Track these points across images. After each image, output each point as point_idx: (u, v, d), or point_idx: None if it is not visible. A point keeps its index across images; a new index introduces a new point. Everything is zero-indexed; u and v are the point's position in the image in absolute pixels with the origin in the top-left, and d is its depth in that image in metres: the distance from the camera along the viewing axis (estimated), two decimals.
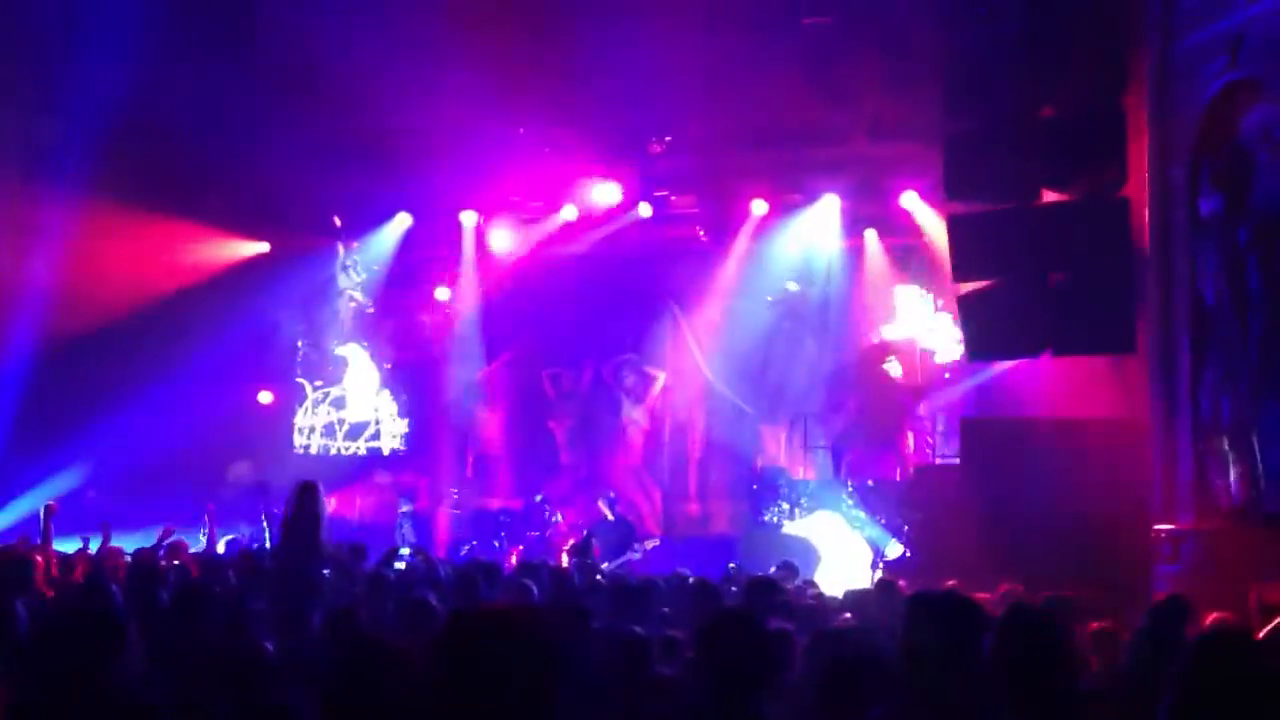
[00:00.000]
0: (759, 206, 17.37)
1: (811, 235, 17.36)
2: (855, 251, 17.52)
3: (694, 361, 18.57)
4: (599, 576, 10.25)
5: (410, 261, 19.21)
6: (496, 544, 16.61)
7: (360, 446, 19.64)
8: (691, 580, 8.91)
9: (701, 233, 18.12)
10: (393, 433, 19.64)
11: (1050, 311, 11.60)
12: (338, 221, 18.90)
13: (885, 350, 17.26)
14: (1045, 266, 11.72)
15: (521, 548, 16.44)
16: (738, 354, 18.04)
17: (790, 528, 15.14)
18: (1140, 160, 11.36)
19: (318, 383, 19.73)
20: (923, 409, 16.86)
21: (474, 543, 16.42)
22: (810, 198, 17.15)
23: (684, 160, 16.97)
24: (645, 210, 17.62)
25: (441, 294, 19.34)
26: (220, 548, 13.58)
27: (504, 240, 18.78)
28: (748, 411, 18.08)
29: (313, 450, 19.56)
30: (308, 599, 8.11)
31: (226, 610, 6.66)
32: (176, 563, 10.71)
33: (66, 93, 14.51)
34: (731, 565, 12.65)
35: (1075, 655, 4.03)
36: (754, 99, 15.55)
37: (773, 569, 9.96)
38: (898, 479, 16.03)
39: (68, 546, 11.57)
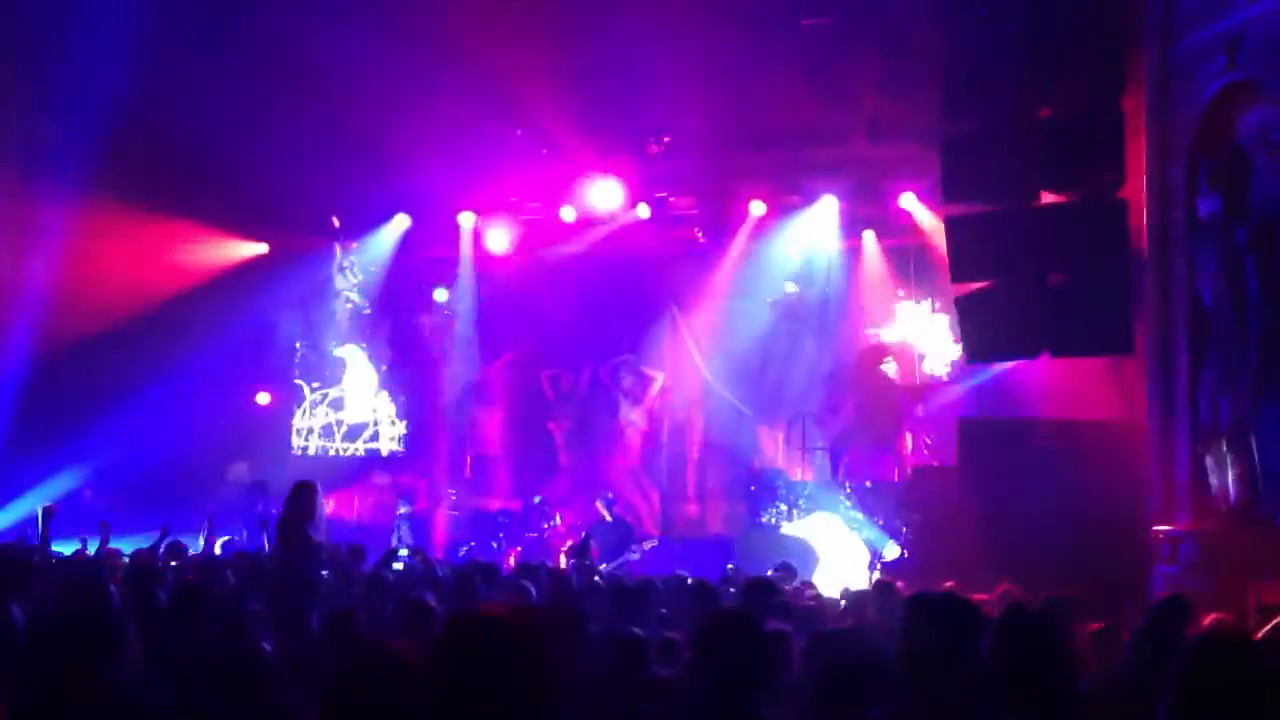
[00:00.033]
0: (757, 208, 17.38)
1: (810, 236, 17.36)
2: (853, 253, 17.53)
3: (692, 362, 18.58)
4: (597, 578, 10.25)
5: (408, 262, 19.21)
6: (495, 545, 16.62)
7: (359, 448, 19.63)
8: (690, 581, 8.92)
9: (700, 234, 18.12)
10: (391, 434, 19.63)
11: (1048, 312, 11.60)
12: (336, 222, 18.90)
13: (883, 351, 17.27)
14: (1043, 267, 11.72)
15: (520, 549, 16.44)
16: (736, 355, 18.04)
17: (788, 529, 15.15)
18: (1139, 161, 11.36)
19: (315, 384, 19.72)
20: (921, 410, 16.87)
21: (472, 544, 16.42)
22: (809, 199, 17.16)
23: (683, 161, 16.96)
24: (644, 211, 17.63)
25: (440, 295, 19.34)
26: (216, 549, 13.58)
27: (502, 241, 18.78)
28: (746, 413, 18.09)
29: (311, 451, 19.56)
30: (306, 599, 8.10)
31: (225, 611, 6.65)
32: (175, 564, 10.72)
33: (66, 93, 14.50)
34: (730, 566, 12.65)
35: (1074, 656, 4.03)
36: (753, 100, 15.55)
37: (770, 571, 9.96)
38: (896, 480, 16.04)
39: (66, 548, 11.57)
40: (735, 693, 3.96)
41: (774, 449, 17.85)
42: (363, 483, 18.97)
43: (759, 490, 16.07)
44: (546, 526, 16.79)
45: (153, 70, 14.04)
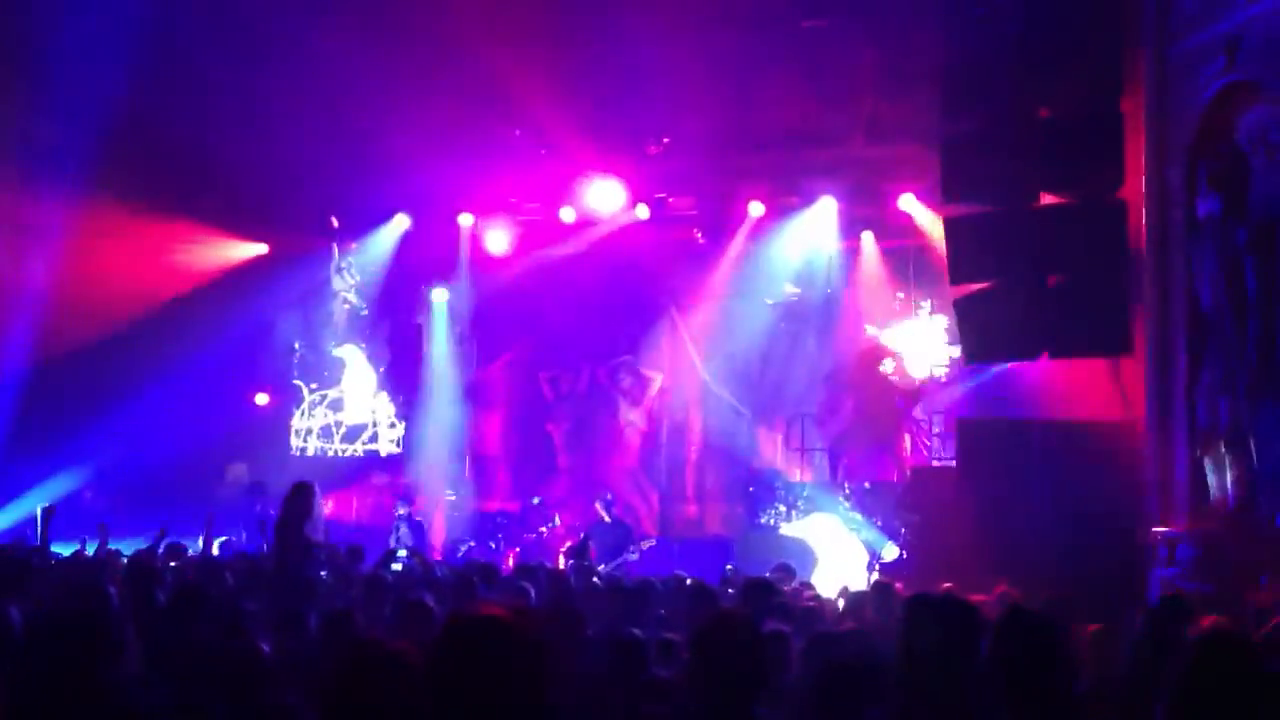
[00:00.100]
0: (756, 208, 17.38)
1: (809, 237, 17.36)
2: (852, 254, 17.53)
3: (691, 363, 18.57)
4: (595, 579, 10.25)
5: (408, 263, 19.20)
6: (493, 545, 16.61)
7: (358, 449, 19.62)
8: (689, 582, 8.92)
9: (699, 234, 18.11)
10: (390, 436, 19.62)
11: (1047, 313, 11.61)
12: (335, 223, 18.90)
13: (882, 352, 17.27)
14: (1042, 268, 11.72)
15: (518, 549, 16.44)
16: (735, 356, 18.04)
17: (787, 529, 15.15)
18: (1138, 162, 11.37)
19: (313, 385, 19.72)
20: (919, 411, 16.87)
21: (471, 544, 16.41)
22: (808, 200, 17.16)
23: (682, 162, 16.96)
24: (643, 212, 17.63)
25: (439, 296, 19.33)
26: (214, 550, 13.57)
27: (501, 242, 18.78)
28: (744, 413, 18.08)
29: (310, 452, 19.55)
30: (304, 600, 8.10)
31: (223, 611, 6.65)
32: (174, 564, 10.71)
33: (66, 93, 14.49)
34: (729, 567, 12.65)
35: (1073, 657, 4.03)
36: (752, 101, 15.55)
37: (769, 572, 9.96)
38: (895, 481, 16.05)
39: (65, 549, 11.57)
40: (734, 694, 3.96)
41: (773, 450, 17.85)
42: (362, 483, 18.96)
43: (758, 491, 16.07)
44: (545, 529, 16.79)
45: (153, 71, 14.05)
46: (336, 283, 19.56)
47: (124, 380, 16.85)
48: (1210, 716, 3.43)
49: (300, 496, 10.48)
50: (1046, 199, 12.09)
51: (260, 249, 19.23)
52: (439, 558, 15.06)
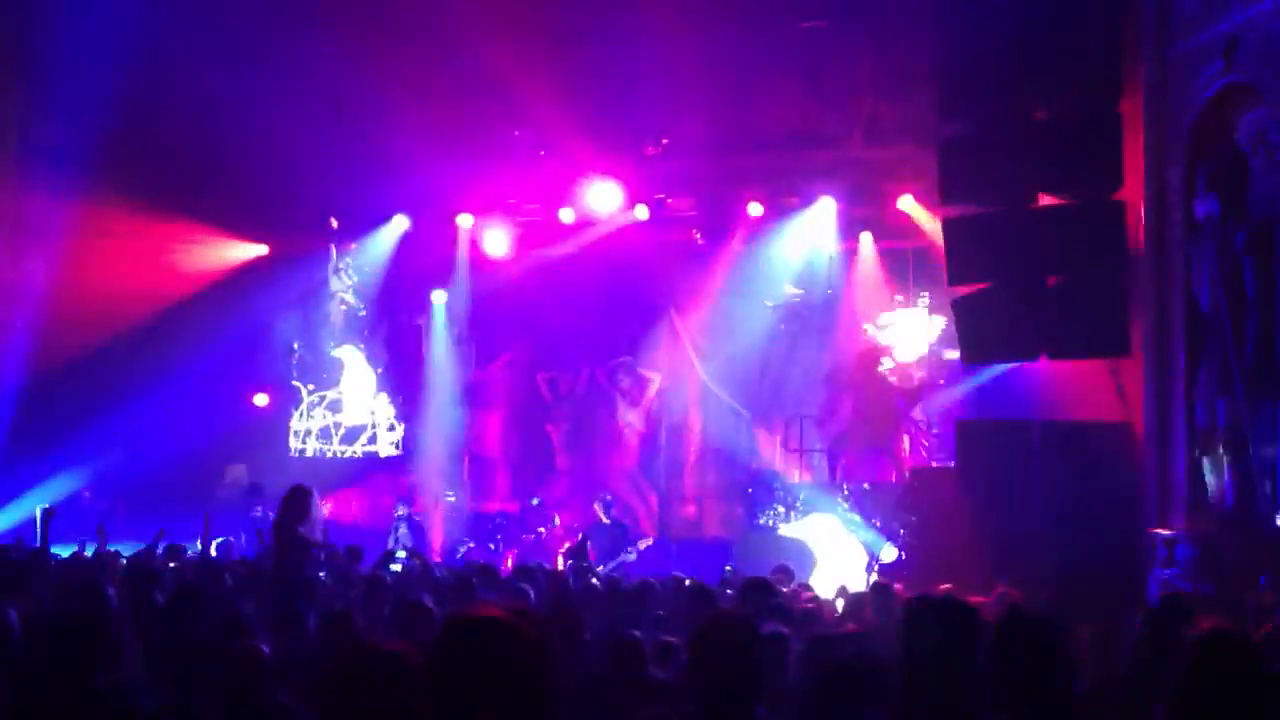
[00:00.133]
0: (755, 209, 17.37)
1: (808, 238, 17.36)
2: (851, 254, 17.53)
3: (690, 364, 18.56)
4: (594, 579, 10.25)
5: (407, 264, 19.19)
6: (492, 546, 16.60)
7: (357, 450, 19.62)
8: (688, 583, 8.92)
9: (698, 235, 18.10)
10: (390, 438, 19.62)
11: (1046, 314, 11.61)
12: (334, 223, 18.89)
13: (880, 353, 17.27)
14: (1041, 269, 11.73)
15: (517, 550, 16.43)
16: (734, 356, 18.02)
17: (786, 530, 15.14)
18: (1136, 163, 11.38)
19: (310, 386, 19.71)
20: (918, 412, 16.87)
21: (470, 545, 16.40)
22: (806, 201, 17.16)
23: (681, 163, 16.96)
24: (642, 213, 17.62)
25: (438, 297, 19.32)
26: (211, 551, 13.58)
27: (500, 243, 18.77)
28: (743, 414, 18.07)
29: (309, 453, 19.54)
30: (302, 601, 8.11)
31: (222, 612, 6.65)
32: (173, 565, 10.72)
33: (66, 94, 14.50)
34: (728, 568, 12.65)
35: (1072, 658, 4.03)
36: (751, 102, 15.57)
37: (768, 574, 9.95)
38: (893, 482, 16.05)
39: (65, 551, 11.57)
40: (732, 695, 3.96)
41: (772, 450, 17.84)
42: (361, 484, 18.95)
43: (756, 492, 16.06)
44: (543, 530, 16.79)
45: (152, 71, 14.06)
46: (334, 283, 19.56)
47: (124, 382, 16.85)
48: (1210, 716, 3.43)
49: (297, 500, 10.48)
50: (1045, 200, 12.10)
51: (260, 250, 19.23)
52: (438, 559, 15.06)
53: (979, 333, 12.43)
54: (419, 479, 18.23)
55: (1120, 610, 7.69)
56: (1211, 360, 10.43)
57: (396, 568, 11.36)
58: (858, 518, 14.78)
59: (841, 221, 17.11)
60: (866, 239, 17.29)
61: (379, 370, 19.81)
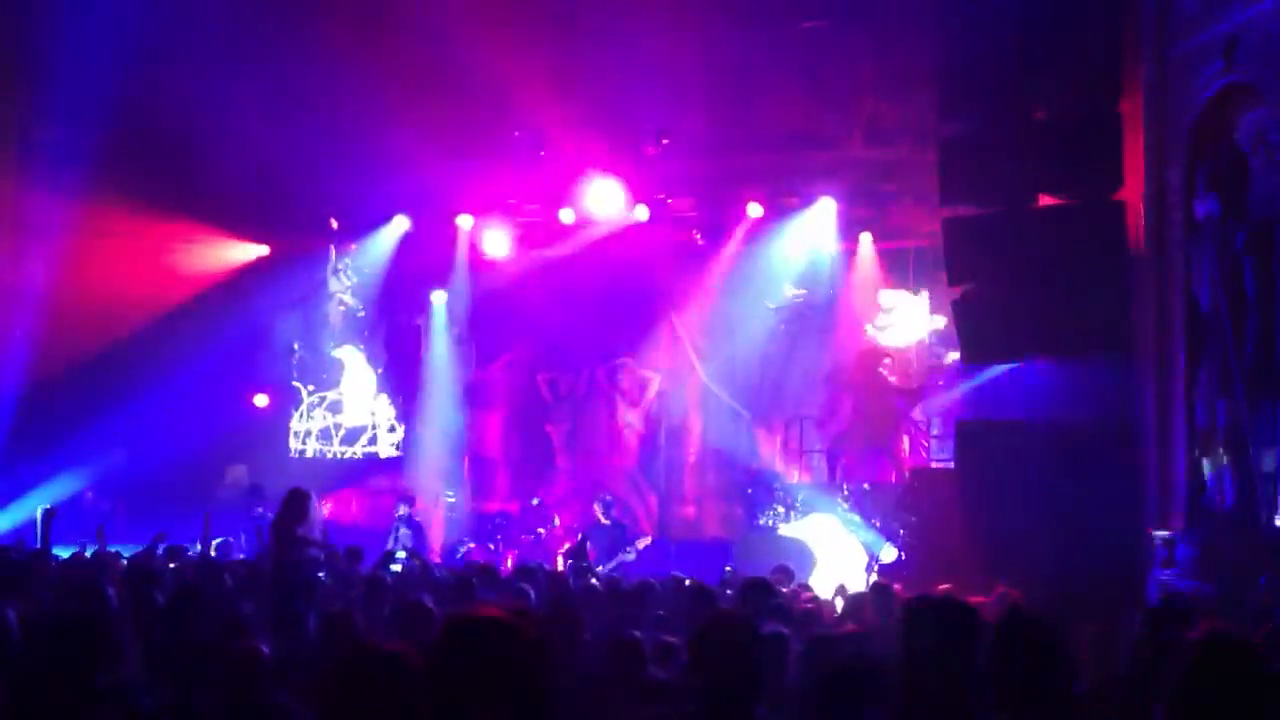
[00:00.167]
0: (755, 209, 17.37)
1: (808, 238, 17.36)
2: (851, 255, 17.53)
3: (690, 364, 18.56)
4: (594, 580, 10.25)
5: (406, 264, 19.19)
6: (492, 547, 16.60)
7: (357, 451, 19.61)
8: (688, 583, 8.92)
9: (698, 235, 18.11)
10: (390, 437, 19.62)
11: (1046, 314, 11.61)
12: (334, 224, 18.89)
13: (880, 354, 17.28)
14: (1041, 270, 11.73)
15: (517, 550, 16.43)
16: (734, 357, 18.03)
17: (785, 530, 15.13)
18: (1136, 163, 11.37)
19: (310, 387, 19.71)
20: (918, 412, 16.88)
21: (470, 545, 16.40)
22: (806, 201, 17.17)
23: (681, 163, 16.96)
24: (642, 213, 17.62)
25: (438, 297, 19.33)
26: (211, 551, 13.58)
27: (500, 243, 18.76)
28: (743, 414, 18.07)
29: (309, 454, 19.54)
30: (301, 601, 8.11)
31: (222, 612, 6.66)
32: (173, 565, 10.73)
33: (66, 95, 14.50)
34: (728, 569, 12.65)
35: (1072, 659, 4.03)
36: (751, 102, 15.57)
37: (768, 574, 9.95)
38: (893, 482, 16.05)
39: (65, 552, 11.57)
40: (732, 695, 3.96)
41: (772, 451, 17.84)
42: (361, 485, 18.95)
43: (756, 492, 16.06)
44: (543, 531, 16.78)
45: (152, 72, 14.06)
46: (333, 284, 19.57)
47: (124, 382, 16.85)
48: (1210, 717, 3.43)
49: (296, 501, 10.50)
50: (1045, 200, 12.10)
51: (261, 250, 19.23)
52: (438, 559, 15.06)
53: (979, 333, 12.43)
54: (419, 479, 18.22)
55: (1120, 610, 7.68)
56: (1211, 360, 10.42)
57: (397, 568, 11.37)
58: (857, 518, 14.77)
59: (841, 221, 17.12)
60: (866, 239, 17.30)
61: (379, 371, 19.81)
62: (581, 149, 16.68)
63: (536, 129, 16.49)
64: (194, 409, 17.35)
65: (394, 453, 19.47)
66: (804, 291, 17.76)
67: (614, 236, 17.82)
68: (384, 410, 19.70)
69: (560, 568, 13.08)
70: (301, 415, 19.70)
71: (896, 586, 9.65)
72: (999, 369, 13.36)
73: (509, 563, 15.22)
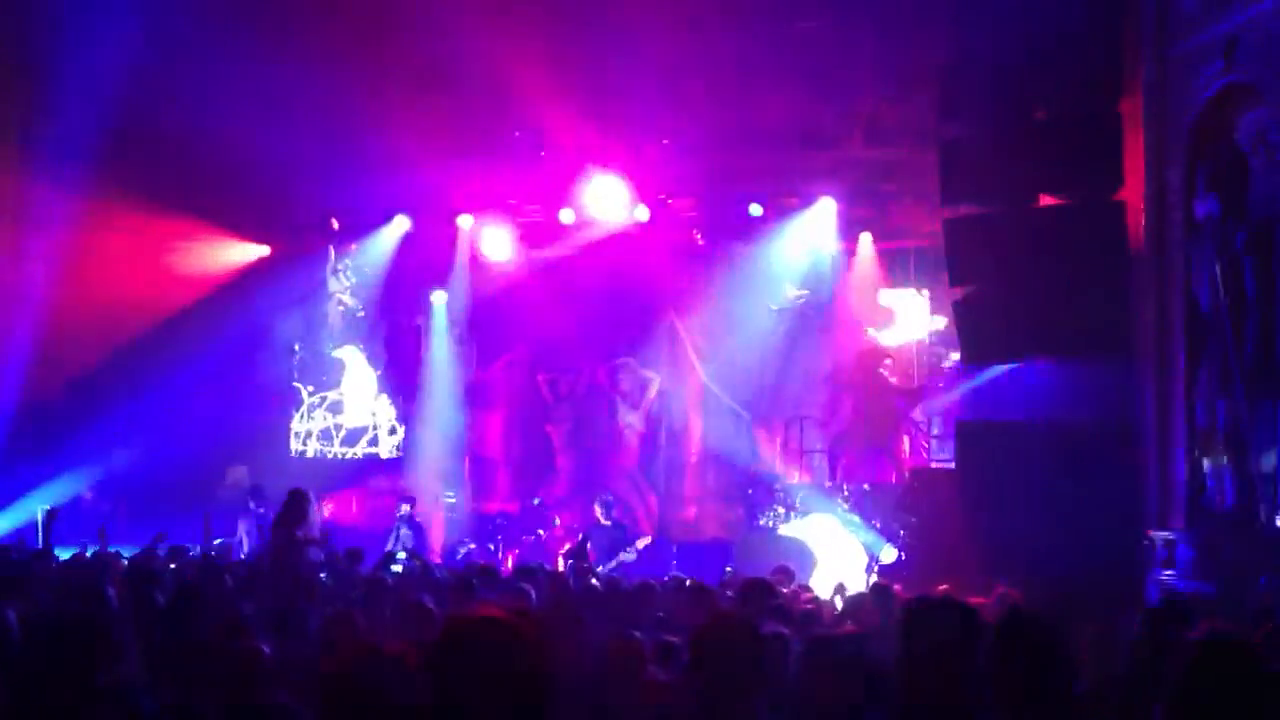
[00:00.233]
0: (755, 210, 17.37)
1: (809, 239, 17.37)
2: (852, 255, 17.54)
3: (690, 365, 18.56)
4: (594, 580, 10.25)
5: (407, 264, 19.20)
6: (492, 547, 16.60)
7: (358, 451, 19.61)
8: (688, 584, 8.92)
9: (698, 235, 18.11)
10: (390, 437, 19.62)
11: (1046, 314, 11.62)
12: (335, 224, 18.90)
13: (881, 354, 17.28)
14: (1041, 269, 11.73)
15: (518, 551, 16.44)
16: (734, 357, 18.02)
17: (786, 530, 15.13)
18: (1137, 163, 11.38)
19: (310, 388, 19.71)
20: (918, 413, 16.88)
21: (471, 546, 16.41)
22: (806, 201, 17.18)
23: (681, 163, 16.97)
24: (642, 213, 17.62)
25: (438, 297, 19.33)
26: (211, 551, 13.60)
27: (500, 243, 18.76)
28: (743, 415, 18.07)
29: (309, 455, 19.54)
30: (301, 601, 8.11)
31: (222, 612, 6.66)
32: (173, 566, 10.74)
33: (67, 94, 14.50)
34: (728, 569, 12.65)
35: (1072, 660, 4.03)
36: (751, 102, 15.56)
37: (768, 575, 9.95)
38: (893, 482, 16.05)
39: (66, 553, 11.58)
40: (732, 695, 3.96)
41: (772, 452, 17.83)
42: (362, 486, 18.95)
43: (756, 493, 16.06)
44: (543, 531, 16.79)
45: (153, 72, 14.06)
46: (332, 284, 19.57)
47: (125, 383, 16.85)
48: (1210, 717, 3.43)
49: (295, 502, 10.51)
50: (1045, 200, 12.10)
51: (262, 250, 19.24)
52: (438, 559, 15.06)
53: (979, 333, 12.44)
54: (419, 480, 18.22)
55: (1120, 610, 7.69)
56: (1211, 360, 10.42)
57: (397, 569, 11.36)
58: (857, 518, 14.77)
59: (841, 221, 17.13)
60: (866, 239, 17.31)
61: (379, 371, 19.81)
62: (581, 149, 16.68)
63: (536, 129, 16.49)
64: (195, 409, 17.35)
65: (394, 449, 19.47)
66: (806, 292, 17.76)
67: (614, 236, 17.83)
68: (385, 411, 19.70)
69: (561, 568, 13.07)
70: (302, 416, 19.70)
71: (896, 587, 9.65)
72: (999, 369, 13.37)
73: (509, 563, 15.22)
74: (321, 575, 9.97)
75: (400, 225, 18.88)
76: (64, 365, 16.17)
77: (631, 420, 18.79)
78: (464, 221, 18.64)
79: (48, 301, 15.65)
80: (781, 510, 15.40)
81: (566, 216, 17.84)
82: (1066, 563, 10.40)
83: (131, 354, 17.11)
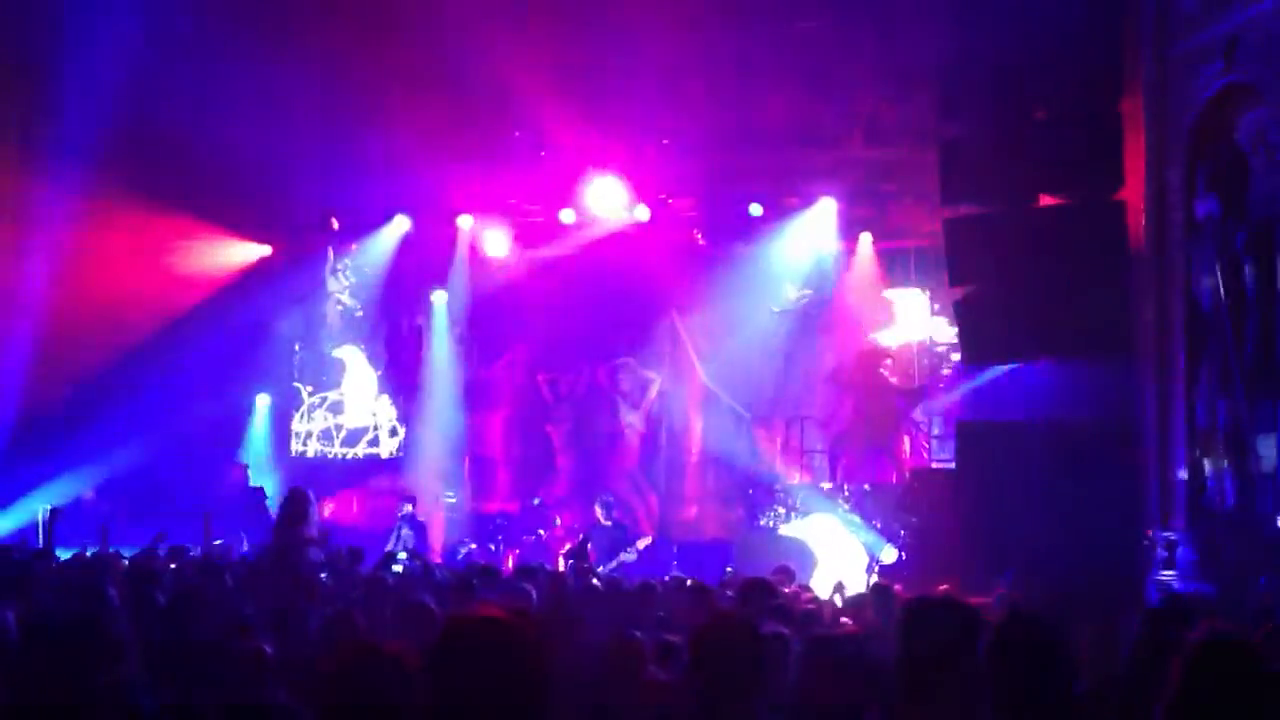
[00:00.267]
0: (755, 210, 17.37)
1: (809, 239, 17.37)
2: (852, 255, 17.54)
3: (691, 365, 18.55)
4: (595, 580, 10.25)
5: (407, 264, 19.20)
6: (493, 547, 16.59)
7: (359, 451, 19.61)
8: (689, 583, 8.92)
9: (699, 235, 18.11)
10: (391, 438, 19.61)
11: (1046, 314, 11.62)
12: (335, 224, 18.89)
13: (881, 354, 17.27)
14: (1041, 269, 11.73)
15: (518, 551, 16.43)
16: (734, 357, 18.01)
17: (786, 530, 15.13)
18: (1137, 163, 11.38)
19: (309, 388, 19.71)
20: (919, 413, 16.88)
21: (471, 546, 16.40)
22: (806, 201, 17.18)
23: (681, 163, 16.97)
24: (642, 213, 17.62)
25: (438, 297, 19.33)
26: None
27: (500, 243, 18.77)
28: (744, 415, 18.07)
29: (310, 455, 19.54)
30: (301, 601, 8.11)
31: (223, 612, 6.66)
32: (174, 566, 10.73)
33: (68, 94, 14.51)
34: (728, 569, 12.64)
35: (1072, 659, 4.03)
36: (752, 102, 15.58)
37: (769, 575, 9.94)
38: (894, 482, 16.04)
39: (66, 553, 11.58)
40: (733, 695, 3.96)
41: (772, 452, 17.83)
42: (362, 486, 18.94)
43: (757, 493, 16.06)
44: (543, 531, 16.78)
45: (154, 72, 14.07)
46: (331, 284, 19.57)
47: (126, 383, 16.85)
48: (1210, 717, 3.43)
49: (295, 502, 10.51)
50: (1045, 200, 12.10)
51: (263, 250, 19.24)
52: (439, 559, 15.05)
53: (979, 333, 12.44)
54: (420, 480, 18.22)
55: (1120, 610, 7.69)
56: (1211, 360, 10.42)
57: (398, 569, 11.36)
58: (858, 518, 14.77)
59: (841, 221, 17.13)
60: (866, 239, 17.31)
61: (379, 371, 19.81)
62: (581, 149, 16.68)
63: (537, 129, 16.49)
64: (196, 409, 17.35)
65: (395, 449, 19.46)
66: (809, 292, 17.76)
67: (614, 236, 17.82)
68: (385, 411, 19.69)
69: (561, 568, 13.07)
70: (302, 416, 19.69)
71: (896, 587, 9.65)
72: (999, 369, 13.37)
73: (510, 563, 15.22)
74: (322, 575, 9.96)
75: (400, 225, 18.88)
76: (65, 365, 16.15)
77: (632, 420, 18.79)
78: (464, 221, 18.64)
79: (49, 301, 15.65)
80: (782, 510, 15.40)
81: (567, 216, 17.84)
82: (1066, 563, 10.41)
83: (132, 354, 17.10)
